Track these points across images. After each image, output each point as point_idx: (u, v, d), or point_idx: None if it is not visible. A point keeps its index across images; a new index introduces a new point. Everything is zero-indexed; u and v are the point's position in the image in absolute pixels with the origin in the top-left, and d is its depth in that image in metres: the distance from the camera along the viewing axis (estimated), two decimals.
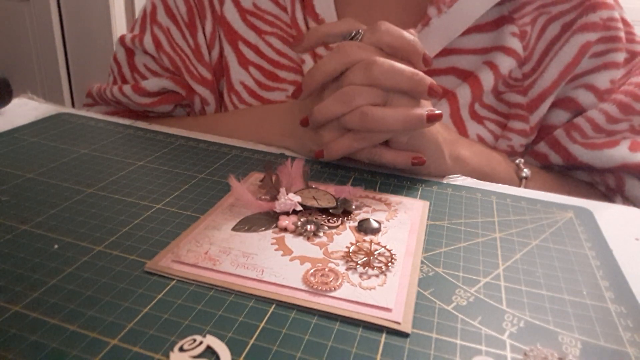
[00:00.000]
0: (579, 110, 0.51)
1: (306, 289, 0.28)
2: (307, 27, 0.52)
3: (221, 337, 0.24)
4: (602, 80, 0.49)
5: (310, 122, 0.42)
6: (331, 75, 0.40)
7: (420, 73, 0.38)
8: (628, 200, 0.50)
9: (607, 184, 0.52)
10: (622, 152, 0.47)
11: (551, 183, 0.50)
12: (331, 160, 0.43)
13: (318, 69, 0.41)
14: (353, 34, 0.41)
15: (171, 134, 0.50)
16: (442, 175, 0.44)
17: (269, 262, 0.30)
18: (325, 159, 0.43)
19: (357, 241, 0.33)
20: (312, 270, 0.29)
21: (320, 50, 0.52)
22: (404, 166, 0.42)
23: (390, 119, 0.38)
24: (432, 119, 0.38)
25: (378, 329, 0.26)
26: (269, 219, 0.35)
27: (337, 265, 0.30)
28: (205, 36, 0.55)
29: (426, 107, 0.39)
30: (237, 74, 0.55)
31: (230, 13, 0.54)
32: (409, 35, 0.40)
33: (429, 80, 0.38)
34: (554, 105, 0.52)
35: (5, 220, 0.33)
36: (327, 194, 0.37)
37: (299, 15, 0.52)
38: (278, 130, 0.49)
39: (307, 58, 0.52)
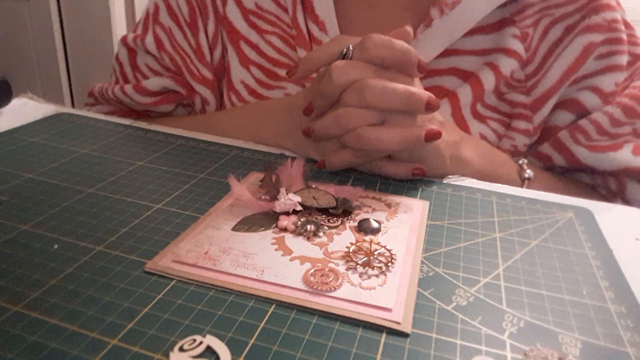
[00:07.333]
0: (584, 112, 0.51)
1: (306, 289, 0.28)
2: (307, 28, 0.52)
3: (221, 337, 0.24)
4: (607, 82, 0.49)
5: (312, 135, 0.42)
6: (329, 99, 0.40)
7: (416, 92, 0.37)
8: (629, 204, 0.50)
9: (609, 187, 0.52)
10: (625, 156, 0.47)
11: (553, 185, 0.50)
12: (332, 170, 0.44)
13: (317, 98, 0.41)
14: (344, 52, 0.40)
15: (171, 134, 0.50)
16: (443, 176, 0.44)
17: (269, 262, 0.30)
18: (327, 170, 0.43)
19: (357, 241, 0.33)
20: (312, 270, 0.29)
21: None
22: (404, 177, 0.42)
23: (387, 140, 0.38)
24: (431, 137, 0.38)
25: (378, 329, 0.26)
26: (269, 219, 0.35)
27: (337, 265, 0.30)
28: (207, 36, 0.55)
29: (424, 126, 0.38)
30: (238, 73, 0.55)
31: (233, 13, 0.55)
32: (400, 44, 0.39)
33: (425, 96, 0.37)
34: (558, 106, 0.52)
35: (5, 220, 0.33)
36: (327, 194, 0.37)
37: (300, 16, 0.52)
38: (274, 131, 0.49)
39: None
